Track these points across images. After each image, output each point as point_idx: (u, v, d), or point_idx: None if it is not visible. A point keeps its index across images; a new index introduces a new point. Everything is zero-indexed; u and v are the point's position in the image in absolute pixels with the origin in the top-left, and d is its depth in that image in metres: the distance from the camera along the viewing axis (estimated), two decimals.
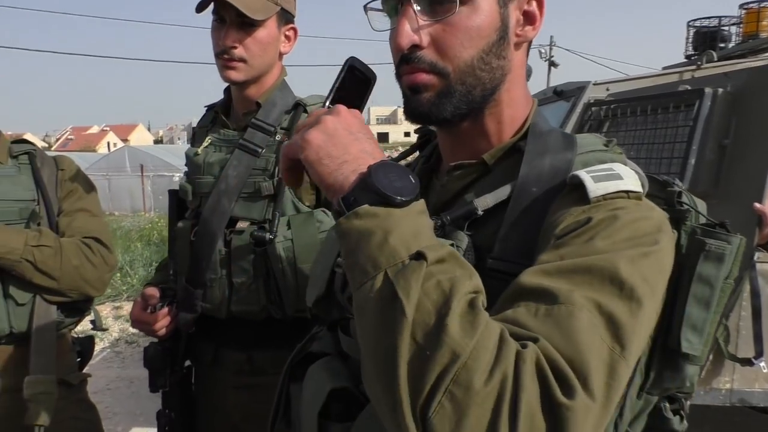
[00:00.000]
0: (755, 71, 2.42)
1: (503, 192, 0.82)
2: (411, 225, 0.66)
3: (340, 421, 0.84)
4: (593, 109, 2.98)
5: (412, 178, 0.70)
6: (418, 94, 0.82)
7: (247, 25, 1.53)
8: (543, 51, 27.11)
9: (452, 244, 0.76)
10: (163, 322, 1.61)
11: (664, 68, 3.86)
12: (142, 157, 15.84)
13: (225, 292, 1.59)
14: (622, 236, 0.69)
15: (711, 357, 2.95)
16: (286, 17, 1.62)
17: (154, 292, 1.61)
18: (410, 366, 0.58)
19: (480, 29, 0.80)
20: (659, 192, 0.88)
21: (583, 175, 0.75)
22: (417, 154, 1.07)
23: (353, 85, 0.81)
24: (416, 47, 0.80)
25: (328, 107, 0.77)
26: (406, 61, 0.81)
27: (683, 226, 0.83)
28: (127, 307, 6.52)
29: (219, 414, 1.69)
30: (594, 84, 3.23)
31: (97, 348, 5.53)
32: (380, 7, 0.85)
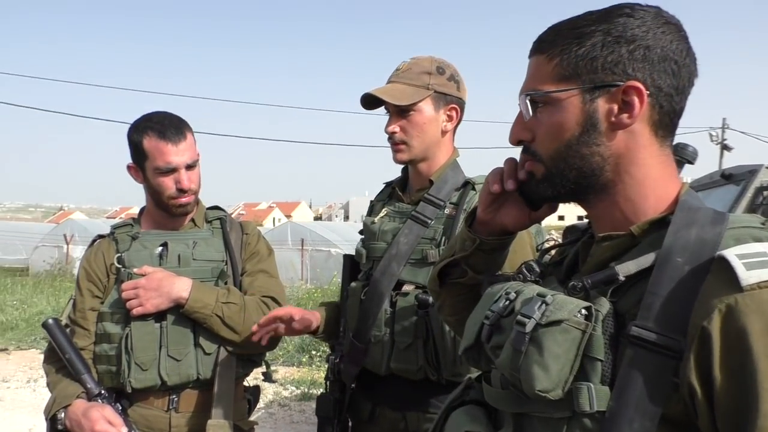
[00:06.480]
0: None
1: (646, 260, 0.83)
2: None
3: None
4: (766, 193, 2.81)
5: None
6: (529, 181, 0.99)
7: (404, 111, 1.72)
8: (714, 134, 25.32)
9: (589, 307, 0.81)
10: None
11: None
12: (302, 232, 16.87)
13: (387, 349, 1.71)
14: None
15: None
16: (445, 99, 1.76)
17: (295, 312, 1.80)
18: None
19: (561, 125, 0.91)
20: None
21: (734, 260, 0.74)
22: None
23: None
24: (522, 141, 0.97)
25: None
26: (523, 151, 0.99)
27: None
28: (283, 371, 6.80)
29: None
30: (767, 167, 3.06)
31: None
32: None
